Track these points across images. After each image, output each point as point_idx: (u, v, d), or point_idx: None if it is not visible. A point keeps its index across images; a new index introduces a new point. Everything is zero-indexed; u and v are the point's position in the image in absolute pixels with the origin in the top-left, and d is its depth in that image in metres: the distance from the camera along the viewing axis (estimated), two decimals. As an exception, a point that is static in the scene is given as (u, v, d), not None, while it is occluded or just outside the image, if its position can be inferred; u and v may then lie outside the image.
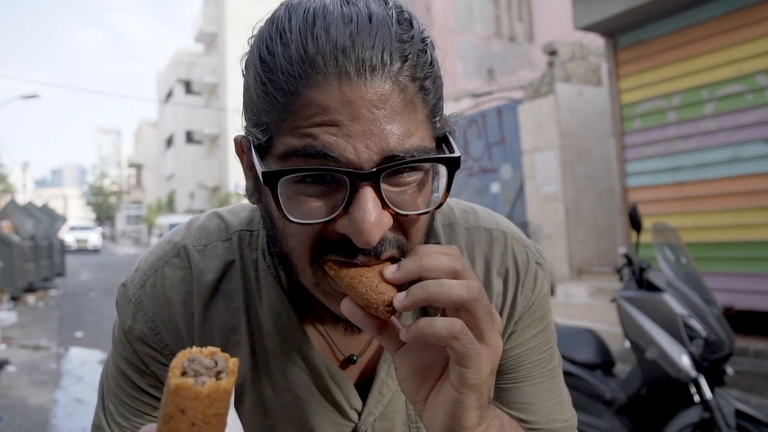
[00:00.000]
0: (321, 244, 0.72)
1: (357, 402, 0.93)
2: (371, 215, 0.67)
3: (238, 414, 0.91)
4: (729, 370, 3.44)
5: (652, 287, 3.74)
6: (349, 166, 0.67)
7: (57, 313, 12.55)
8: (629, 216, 3.85)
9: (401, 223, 0.73)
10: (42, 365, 7.92)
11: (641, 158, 8.20)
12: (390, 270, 0.69)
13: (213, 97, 46.55)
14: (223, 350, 0.82)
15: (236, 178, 41.62)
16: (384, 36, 0.67)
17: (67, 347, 9.12)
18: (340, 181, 0.69)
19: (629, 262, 3.98)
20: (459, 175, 12.39)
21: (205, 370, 0.54)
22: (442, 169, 0.75)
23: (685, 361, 3.36)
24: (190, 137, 50.19)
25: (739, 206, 7.01)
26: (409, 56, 0.69)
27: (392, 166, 0.68)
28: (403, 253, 0.74)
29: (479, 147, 12.28)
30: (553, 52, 10.75)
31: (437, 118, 0.74)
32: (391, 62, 0.67)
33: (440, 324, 0.66)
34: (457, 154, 0.74)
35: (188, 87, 50.91)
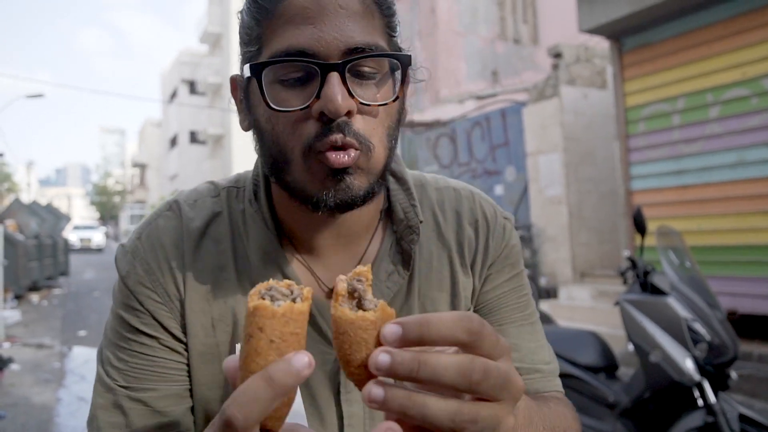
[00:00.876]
0: (306, 133, 0.85)
1: None
2: (338, 91, 0.81)
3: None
4: (733, 374, 3.44)
5: (656, 291, 3.73)
6: (321, 58, 0.82)
7: (60, 311, 12.58)
8: (634, 219, 3.84)
9: (366, 118, 0.86)
10: (45, 364, 7.94)
11: (646, 161, 8.19)
12: (390, 330, 0.57)
13: (217, 97, 46.59)
14: (213, 287, 0.96)
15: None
16: None
17: (70, 346, 9.15)
18: (314, 74, 0.83)
19: (633, 265, 3.98)
20: (462, 177, 12.41)
21: (281, 296, 0.59)
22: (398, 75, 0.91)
23: (688, 364, 3.36)
24: (194, 137, 50.27)
25: (744, 210, 7.00)
26: None
27: (355, 58, 0.83)
28: (366, 148, 0.86)
29: (483, 149, 12.28)
30: (557, 55, 10.75)
31: (392, 37, 0.91)
32: None
33: (436, 408, 0.56)
34: (407, 53, 0.89)
35: (192, 87, 50.98)
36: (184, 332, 0.96)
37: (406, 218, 1.02)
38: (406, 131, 15.56)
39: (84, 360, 8.30)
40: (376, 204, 1.02)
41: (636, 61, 8.27)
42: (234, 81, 0.98)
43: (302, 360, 0.55)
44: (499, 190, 11.91)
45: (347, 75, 0.84)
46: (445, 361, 0.56)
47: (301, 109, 0.84)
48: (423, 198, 1.09)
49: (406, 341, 0.56)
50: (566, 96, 10.24)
